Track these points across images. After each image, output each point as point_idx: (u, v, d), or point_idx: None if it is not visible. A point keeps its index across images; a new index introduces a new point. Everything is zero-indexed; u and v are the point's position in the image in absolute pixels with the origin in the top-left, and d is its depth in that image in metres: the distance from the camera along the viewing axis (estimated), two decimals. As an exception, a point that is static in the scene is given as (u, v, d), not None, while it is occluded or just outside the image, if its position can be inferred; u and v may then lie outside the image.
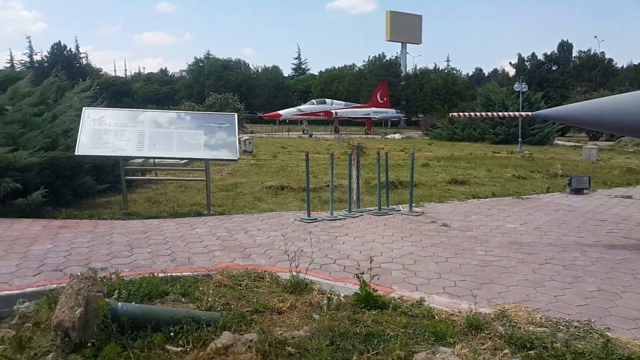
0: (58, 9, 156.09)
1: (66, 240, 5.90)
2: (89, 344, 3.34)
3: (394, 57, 68.69)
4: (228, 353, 3.23)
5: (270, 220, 7.39)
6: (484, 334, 3.39)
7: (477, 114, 8.90)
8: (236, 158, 8.27)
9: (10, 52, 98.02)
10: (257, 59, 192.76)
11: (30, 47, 76.58)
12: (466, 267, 5.25)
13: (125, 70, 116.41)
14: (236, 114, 9.13)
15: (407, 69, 70.51)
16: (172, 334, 3.49)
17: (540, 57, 59.61)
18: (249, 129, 44.66)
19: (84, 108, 8.38)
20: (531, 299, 4.37)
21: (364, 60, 70.98)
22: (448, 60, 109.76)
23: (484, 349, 3.05)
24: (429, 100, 58.34)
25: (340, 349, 3.26)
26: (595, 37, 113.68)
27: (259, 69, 75.68)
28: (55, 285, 4.36)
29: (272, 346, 3.28)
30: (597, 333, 3.48)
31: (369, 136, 40.15)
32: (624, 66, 62.34)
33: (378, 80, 55.86)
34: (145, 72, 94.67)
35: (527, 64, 59.47)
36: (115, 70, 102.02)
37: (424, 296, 4.20)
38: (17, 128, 8.26)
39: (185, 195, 9.89)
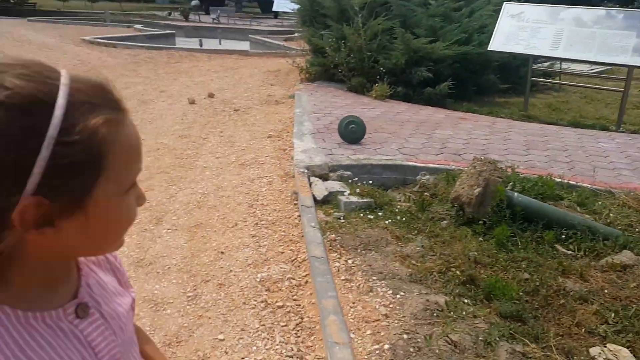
0: None
1: (465, 130, 6.45)
2: (480, 221, 3.72)
3: None
4: (627, 272, 3.03)
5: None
6: None
7: None
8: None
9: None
10: None
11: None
12: None
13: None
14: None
15: None
16: (563, 236, 3.50)
17: None
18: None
19: (504, 3, 8.46)
20: None
21: None
22: None
23: None
24: None
25: None
26: None
27: None
28: (453, 166, 4.92)
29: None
30: None
31: None
32: None
33: None
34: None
35: None
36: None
37: None
38: (438, 21, 9.10)
39: (591, 106, 9.06)
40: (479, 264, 3.22)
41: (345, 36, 8.82)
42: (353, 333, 2.59)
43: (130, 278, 0.78)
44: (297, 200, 4.30)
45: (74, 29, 19.02)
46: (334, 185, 4.51)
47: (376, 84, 8.36)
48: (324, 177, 4.83)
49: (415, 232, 3.78)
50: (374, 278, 3.09)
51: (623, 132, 6.99)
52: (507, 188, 4.06)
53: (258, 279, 3.17)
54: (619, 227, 3.58)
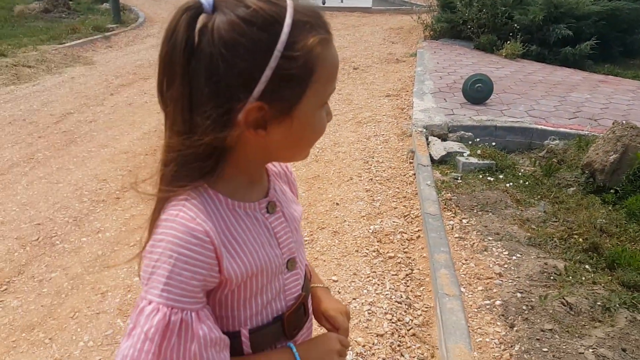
0: None
1: (605, 94, 5.90)
2: (612, 190, 3.48)
3: None
4: None
5: None
6: None
7: None
8: None
9: None
10: None
11: None
12: None
13: None
14: None
15: None
16: None
17: None
18: None
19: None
20: None
21: None
22: None
23: None
24: None
25: None
26: None
27: None
28: (587, 132, 4.58)
29: None
30: None
31: None
32: None
33: None
34: None
35: None
36: None
37: None
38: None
39: None
40: (605, 233, 3.05)
41: (479, -11, 8.35)
42: (464, 287, 2.65)
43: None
44: (413, 159, 4.34)
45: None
46: (453, 146, 4.46)
47: (508, 42, 7.89)
48: (443, 137, 4.79)
49: (538, 197, 3.65)
50: (490, 238, 3.09)
51: None
52: None
53: (371, 231, 3.32)
54: None
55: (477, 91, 5.43)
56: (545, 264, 2.71)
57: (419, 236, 3.27)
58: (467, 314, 2.41)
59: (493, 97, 5.55)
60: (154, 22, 11.94)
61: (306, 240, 3.26)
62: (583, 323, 2.26)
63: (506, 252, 2.90)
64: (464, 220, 3.33)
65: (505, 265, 2.78)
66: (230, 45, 0.65)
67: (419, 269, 2.94)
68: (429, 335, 2.45)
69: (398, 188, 3.94)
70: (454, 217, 3.39)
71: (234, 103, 0.67)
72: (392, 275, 2.89)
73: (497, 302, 2.47)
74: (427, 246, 3.04)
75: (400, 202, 3.74)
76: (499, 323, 2.35)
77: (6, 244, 3.17)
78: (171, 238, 0.70)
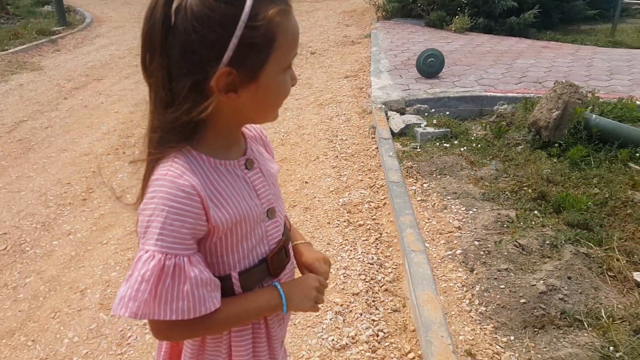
0: None
1: (547, 58, 6.28)
2: (556, 144, 3.80)
3: None
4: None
5: None
6: None
7: None
8: None
9: None
10: None
11: None
12: None
13: None
14: None
15: None
16: (637, 154, 3.52)
17: None
18: None
19: None
20: None
21: None
22: None
23: None
24: None
25: None
26: None
27: None
28: (532, 95, 4.91)
29: None
30: None
31: None
32: None
33: None
34: None
35: None
36: None
37: None
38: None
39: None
40: (551, 182, 3.36)
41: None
42: (428, 243, 2.91)
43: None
44: (374, 134, 4.58)
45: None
46: (411, 118, 4.72)
47: (456, 17, 8.19)
48: (401, 112, 5.04)
49: (490, 157, 3.94)
50: (448, 198, 3.36)
51: None
52: (589, 111, 4.06)
53: (340, 203, 3.54)
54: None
55: (430, 66, 5.70)
56: (499, 214, 3.00)
57: (385, 203, 3.51)
58: (432, 265, 2.67)
59: (445, 70, 5.83)
60: (102, 22, 11.74)
61: (280, 219, 3.44)
62: (534, 260, 2.55)
63: (464, 208, 3.17)
64: (424, 185, 3.59)
65: (463, 220, 3.05)
66: (201, 19, 0.75)
67: (387, 232, 3.18)
68: (399, 288, 2.69)
69: (362, 162, 4.17)
70: (415, 182, 3.65)
71: (207, 71, 0.78)
72: (363, 240, 3.12)
73: (458, 252, 2.73)
74: (393, 211, 3.28)
75: (366, 174, 3.97)
76: (460, 269, 2.62)
77: (-27, 256, 3.11)
78: (162, 194, 0.80)
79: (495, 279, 2.47)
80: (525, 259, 2.56)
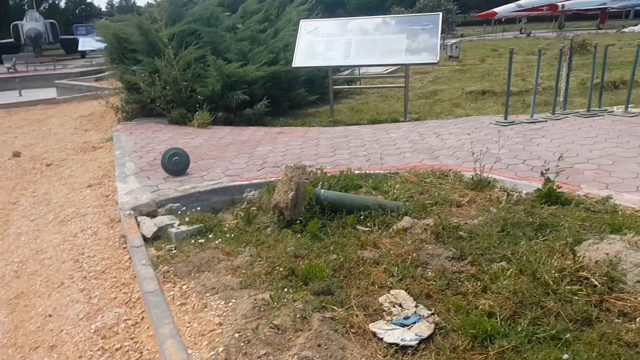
0: None
1: (283, 143, 7.05)
2: (297, 221, 4.21)
3: None
4: (407, 233, 3.74)
5: (464, 125, 7.45)
6: (671, 231, 3.19)
7: None
8: (436, 61, 8.27)
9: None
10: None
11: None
12: (677, 168, 4.68)
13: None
14: (440, 14, 9.00)
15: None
16: (362, 217, 4.14)
17: None
18: (458, 32, 42.33)
19: (301, 20, 9.32)
20: None
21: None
22: None
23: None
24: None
25: (509, 235, 3.47)
26: None
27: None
28: (274, 178, 5.40)
29: (445, 229, 3.66)
30: None
31: (600, 31, 34.30)
32: None
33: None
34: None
35: None
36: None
37: (612, 194, 4.01)
38: (247, 44, 9.66)
39: (386, 104, 10.42)
40: (298, 257, 3.67)
41: (158, 69, 8.89)
42: (190, 349, 2.82)
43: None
44: (126, 244, 4.35)
45: None
46: (163, 220, 4.64)
47: (197, 113, 8.58)
48: (153, 214, 4.92)
49: (244, 244, 4.11)
50: (208, 295, 3.35)
51: (409, 121, 8.25)
52: (318, 187, 4.64)
53: (92, 330, 3.21)
54: (403, 200, 4.35)
55: (176, 164, 5.78)
56: (255, 299, 3.11)
57: (143, 317, 3.31)
58: (197, 372, 2.58)
59: (192, 165, 5.99)
60: None
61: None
62: (289, 337, 2.70)
63: (223, 302, 3.20)
64: (184, 287, 3.52)
65: (224, 314, 3.07)
66: None
67: (148, 349, 2.98)
68: (169, 407, 2.51)
69: (115, 277, 3.89)
70: (174, 286, 3.55)
71: None
72: (123, 366, 2.86)
73: (220, 349, 2.72)
74: (152, 323, 3.10)
75: (120, 290, 3.70)
76: (225, 367, 2.60)
77: None
78: None
79: (258, 367, 2.51)
80: (282, 338, 2.69)
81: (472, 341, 2.49)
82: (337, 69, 10.27)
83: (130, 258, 4.09)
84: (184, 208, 5.00)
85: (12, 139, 8.92)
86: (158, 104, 8.90)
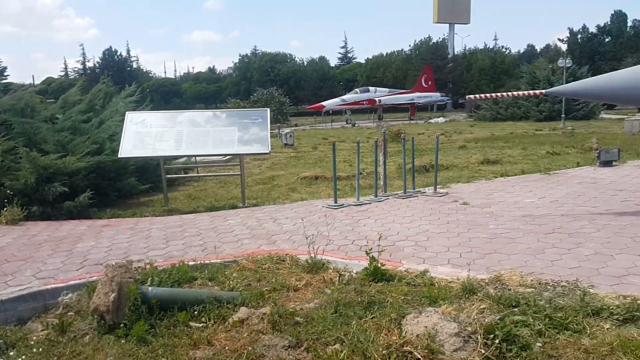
0: (109, 13, 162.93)
1: (108, 237, 6.48)
2: (121, 325, 3.79)
3: (440, 40, 67.71)
4: (243, 325, 3.60)
5: (299, 209, 7.74)
6: (476, 297, 3.61)
7: (494, 94, 8.94)
8: (268, 151, 8.61)
9: (65, 61, 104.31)
10: (304, 51, 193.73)
11: (84, 54, 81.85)
12: (475, 240, 5.43)
13: (175, 70, 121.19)
14: (268, 110, 9.51)
15: (456, 51, 69.16)
16: (196, 312, 3.88)
17: (593, 29, 57.52)
18: (293, 122, 45.36)
19: (127, 112, 9.03)
20: (529, 264, 4.56)
21: (409, 45, 71.01)
22: (496, 39, 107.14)
23: (471, 308, 3.26)
24: (476, 82, 57.32)
25: (342, 316, 3.55)
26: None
27: (305, 61, 76.59)
28: (95, 277, 4.86)
29: (282, 317, 3.61)
30: (580, 290, 3.64)
31: (412, 122, 39.92)
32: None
33: (424, 64, 55.32)
34: (194, 72, 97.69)
35: (578, 37, 57.39)
36: (165, 72, 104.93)
37: (428, 268, 4.44)
38: (67, 135, 9.01)
39: (224, 190, 10.41)
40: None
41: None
42: None
43: None
44: None
45: None
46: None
47: (5, 209, 7.53)
48: None
49: (56, 358, 3.53)
50: None
51: (247, 207, 8.31)
52: (147, 284, 4.28)
53: None
54: (240, 289, 4.23)
55: (-29, 269, 4.88)
56: None
57: None
58: None
59: (-6, 270, 5.12)
60: None
61: None
62: None
63: None
64: None
65: None
66: None
67: None
68: None
69: None
70: None
71: None
72: None
73: None
74: None
75: None
76: None
77: None
78: None
79: None
80: None
81: None
82: (170, 158, 10.06)
83: None
84: (-19, 322, 4.17)
85: None
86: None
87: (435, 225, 6.22)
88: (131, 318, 3.80)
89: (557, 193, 7.87)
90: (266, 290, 4.27)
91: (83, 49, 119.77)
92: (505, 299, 3.51)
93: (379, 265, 4.33)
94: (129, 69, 77.49)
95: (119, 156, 8.32)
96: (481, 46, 67.59)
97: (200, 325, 3.74)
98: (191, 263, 4.99)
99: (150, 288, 4.06)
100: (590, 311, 3.30)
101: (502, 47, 68.37)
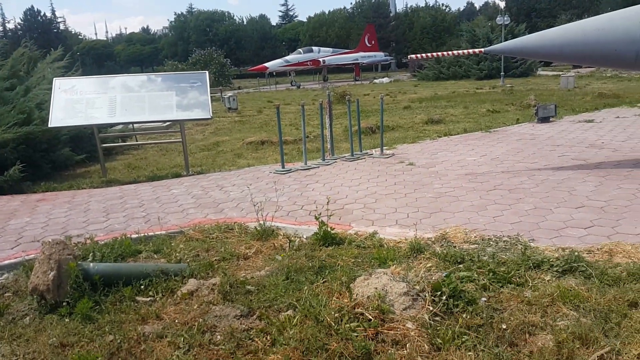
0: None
1: (44, 212, 6.13)
2: (63, 304, 3.62)
3: (383, -3, 67.49)
4: (193, 297, 3.53)
5: (246, 175, 7.61)
6: (423, 255, 3.70)
7: (435, 54, 9.05)
8: (209, 117, 8.35)
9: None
10: (243, 10, 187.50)
11: (2, 15, 75.04)
12: (421, 200, 5.56)
13: (107, 32, 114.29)
14: (206, 72, 9.15)
15: (398, 9, 69.14)
16: (142, 287, 3.76)
17: (529, -14, 58.95)
18: (235, 84, 44.22)
19: (54, 79, 8.41)
20: (472, 221, 4.73)
21: (351, 3, 70.32)
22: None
23: (419, 267, 3.34)
24: (418, 40, 57.83)
25: (294, 282, 3.55)
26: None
27: (245, 19, 74.17)
28: (32, 255, 4.60)
29: (232, 286, 3.56)
30: (521, 244, 3.82)
31: (357, 82, 39.90)
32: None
33: (367, 22, 54.97)
34: (127, 33, 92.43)
35: (516, -6, 58.86)
36: (96, 34, 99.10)
37: (376, 230, 4.50)
38: (-9, 104, 8.35)
39: (166, 158, 10.06)
40: (66, 345, 3.12)
41: None
42: None
43: None
44: None
45: None
46: None
47: None
48: None
49: (-7, 343, 3.33)
50: None
51: (191, 175, 8.07)
52: (88, 260, 4.10)
53: None
54: (188, 260, 4.13)
55: None
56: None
57: None
58: None
59: None
60: None
61: None
62: None
63: None
64: None
65: None
66: None
67: None
68: None
69: None
70: None
71: None
72: None
73: None
74: None
75: None
76: None
77: None
78: None
79: None
80: None
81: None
82: (104, 126, 9.54)
83: None
84: None
85: None
86: None
87: (382, 187, 6.30)
88: (74, 296, 3.64)
89: (497, 150, 8.15)
90: (215, 260, 4.20)
91: (1, 8, 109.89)
92: (450, 256, 3.62)
93: (329, 229, 4.34)
94: (55, 31, 72.00)
95: (49, 126, 7.80)
96: (422, 4, 68.03)
97: (148, 299, 3.63)
98: (134, 236, 4.81)
99: (92, 264, 3.88)
100: (531, 264, 3.45)
101: (443, 5, 69.16)
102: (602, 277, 3.25)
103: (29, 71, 10.77)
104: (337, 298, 3.16)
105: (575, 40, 5.92)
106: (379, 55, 49.83)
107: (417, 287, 3.03)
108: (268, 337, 2.94)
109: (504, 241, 3.93)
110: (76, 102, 7.98)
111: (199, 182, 7.37)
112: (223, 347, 2.88)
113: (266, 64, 42.89)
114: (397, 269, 3.19)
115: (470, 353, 2.61)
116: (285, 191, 6.38)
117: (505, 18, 28.90)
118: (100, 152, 8.23)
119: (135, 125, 11.19)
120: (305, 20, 71.91)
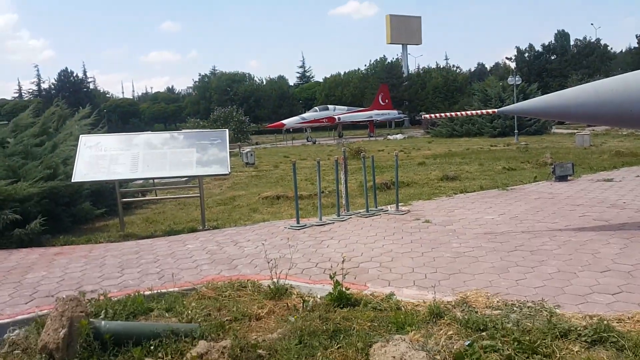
0: (65, 34, 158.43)
1: (61, 266, 6.13)
2: (77, 362, 3.53)
3: (395, 59, 69.59)
4: (202, 360, 3.41)
5: (261, 231, 7.58)
6: (443, 321, 3.56)
7: (448, 114, 9.25)
8: (227, 172, 8.46)
9: (19, 82, 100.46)
10: (263, 71, 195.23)
11: (38, 76, 78.87)
12: (439, 260, 5.43)
13: (133, 91, 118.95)
14: (226, 130, 9.38)
15: (410, 70, 71.14)
16: (152, 347, 3.67)
17: (539, 48, 60.43)
18: (254, 140, 45.10)
19: (80, 135, 8.70)
20: (494, 284, 4.57)
21: (365, 65, 72.66)
22: (447, 59, 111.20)
23: (439, 334, 3.21)
24: (430, 99, 58.97)
25: (307, 347, 3.43)
26: (592, 24, 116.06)
27: (264, 80, 76.74)
28: (45, 311, 4.55)
29: (244, 350, 3.45)
30: (546, 311, 3.66)
31: (371, 139, 40.44)
32: (623, 50, 63.73)
33: (380, 82, 56.44)
34: (152, 92, 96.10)
35: (526, 56, 60.13)
36: (122, 92, 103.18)
37: (393, 291, 4.38)
38: (18, 160, 8.59)
39: (183, 212, 10.12)
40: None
41: None
42: None
43: None
44: None
45: None
46: None
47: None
48: None
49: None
50: None
51: (207, 229, 8.07)
52: (100, 317, 4.03)
53: None
54: (199, 320, 4.03)
55: None
56: None
57: None
58: None
59: None
60: None
61: None
62: None
63: None
64: None
65: None
66: None
67: None
68: None
69: None
70: None
71: None
72: None
73: None
74: None
75: None
76: None
77: None
78: None
79: None
80: None
81: None
82: (126, 181, 9.71)
83: None
84: None
85: None
86: None
87: (398, 244, 6.20)
88: (83, 356, 3.56)
89: (516, 209, 8.03)
90: (227, 320, 4.10)
91: (38, 70, 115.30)
92: (472, 322, 3.47)
93: (344, 289, 4.24)
94: (85, 90, 75.39)
95: (72, 180, 7.96)
96: (434, 65, 69.78)
97: (158, 361, 3.53)
98: (147, 293, 4.75)
99: (103, 322, 3.81)
100: (558, 333, 3.30)
101: (454, 66, 70.75)
102: (636, 350, 3.07)
103: (58, 128, 11.16)
104: (352, 366, 3.03)
105: (589, 101, 5.95)
106: (393, 113, 50.75)
107: (438, 357, 2.90)
108: (280, 407, 2.80)
109: (528, 307, 3.77)
110: (100, 158, 8.19)
111: (214, 237, 7.35)
112: (233, 416, 2.75)
113: (283, 121, 43.89)
114: (416, 335, 3.07)
115: None
116: (300, 247, 6.31)
117: (517, 78, 29.37)
118: (120, 207, 8.33)
119: (155, 180, 11.38)
120: (321, 80, 74.10)
